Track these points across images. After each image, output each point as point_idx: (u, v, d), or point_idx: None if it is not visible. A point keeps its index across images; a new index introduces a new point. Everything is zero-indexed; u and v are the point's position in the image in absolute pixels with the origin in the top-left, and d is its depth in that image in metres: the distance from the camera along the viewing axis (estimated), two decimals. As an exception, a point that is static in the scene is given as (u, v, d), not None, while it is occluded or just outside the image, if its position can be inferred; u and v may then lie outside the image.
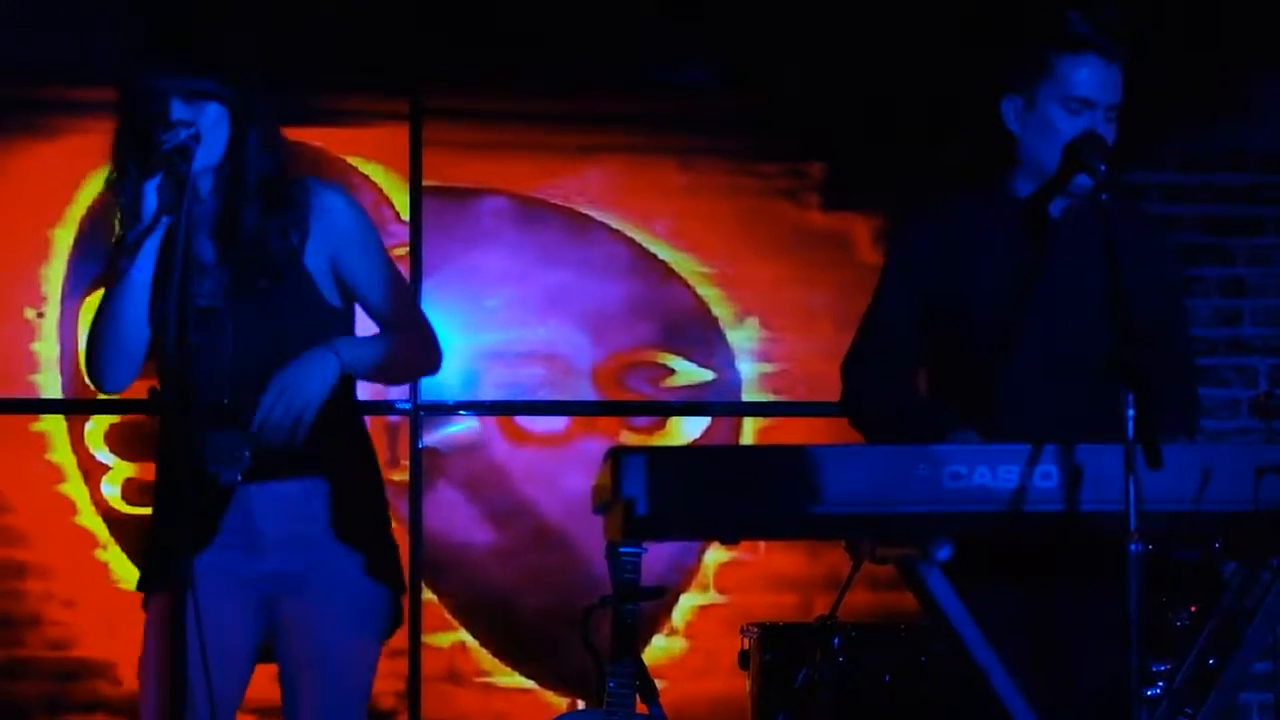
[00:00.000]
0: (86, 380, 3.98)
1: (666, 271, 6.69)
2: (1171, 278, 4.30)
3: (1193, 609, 4.73)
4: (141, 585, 3.99)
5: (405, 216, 6.50)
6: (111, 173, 3.90)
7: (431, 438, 6.52)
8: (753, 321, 6.71)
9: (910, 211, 4.34)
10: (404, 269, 6.44)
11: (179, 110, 3.80)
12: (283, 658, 3.98)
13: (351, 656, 4.00)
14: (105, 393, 3.95)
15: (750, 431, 6.73)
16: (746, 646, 5.37)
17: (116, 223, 3.90)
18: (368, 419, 6.37)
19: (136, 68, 3.86)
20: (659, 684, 5.20)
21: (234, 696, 3.95)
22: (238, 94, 3.88)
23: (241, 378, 3.84)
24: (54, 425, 6.48)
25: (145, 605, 3.99)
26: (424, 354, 4.12)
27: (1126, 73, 4.07)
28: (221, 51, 3.92)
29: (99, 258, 5.78)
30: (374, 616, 4.02)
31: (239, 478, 3.84)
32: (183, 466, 3.73)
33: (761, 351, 6.71)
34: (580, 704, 6.29)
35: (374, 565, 4.00)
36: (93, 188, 6.07)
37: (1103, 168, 3.88)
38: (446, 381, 6.53)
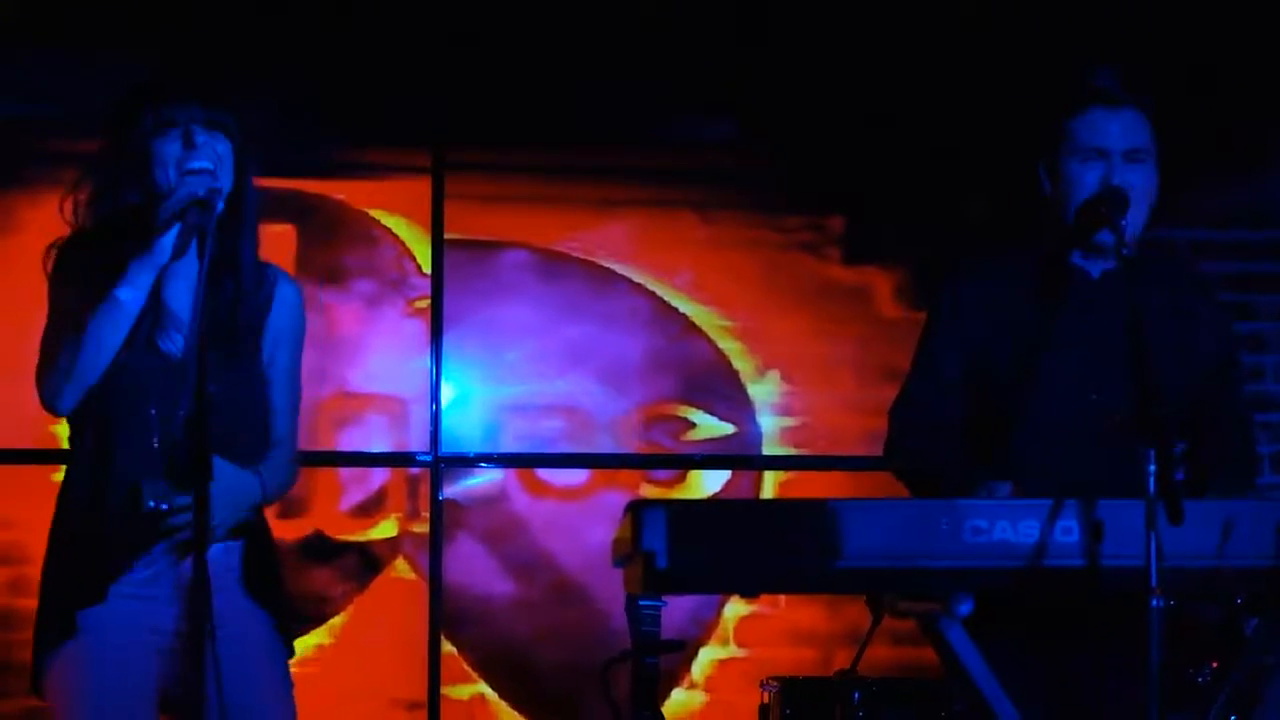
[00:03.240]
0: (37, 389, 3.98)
1: (688, 325, 6.69)
2: (1220, 339, 4.27)
3: (1214, 665, 4.71)
4: (45, 644, 3.96)
5: (427, 269, 6.51)
6: (97, 174, 3.93)
7: (452, 490, 6.52)
8: (774, 375, 6.71)
9: (962, 262, 4.34)
10: (425, 322, 6.45)
11: (201, 135, 3.84)
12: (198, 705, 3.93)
13: (281, 698, 4.03)
14: (55, 412, 3.96)
15: (771, 485, 6.72)
16: (766, 700, 5.34)
17: (72, 215, 3.95)
18: (389, 471, 6.45)
19: (154, 97, 3.89)
20: (678, 738, 5.19)
21: None
22: (245, 139, 3.92)
23: (188, 432, 3.83)
24: (75, 476, 6.48)
25: (43, 670, 3.96)
26: (292, 477, 4.17)
27: (1147, 114, 4.08)
28: (230, 94, 3.97)
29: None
30: (286, 666, 4.06)
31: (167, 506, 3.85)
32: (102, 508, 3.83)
33: (782, 405, 6.70)
34: (599, 758, 6.27)
35: (281, 624, 4.05)
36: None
37: (1123, 223, 3.88)
38: (467, 433, 6.54)
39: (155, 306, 3.90)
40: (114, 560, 3.89)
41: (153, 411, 3.87)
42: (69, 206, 3.99)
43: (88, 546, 3.91)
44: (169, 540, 3.86)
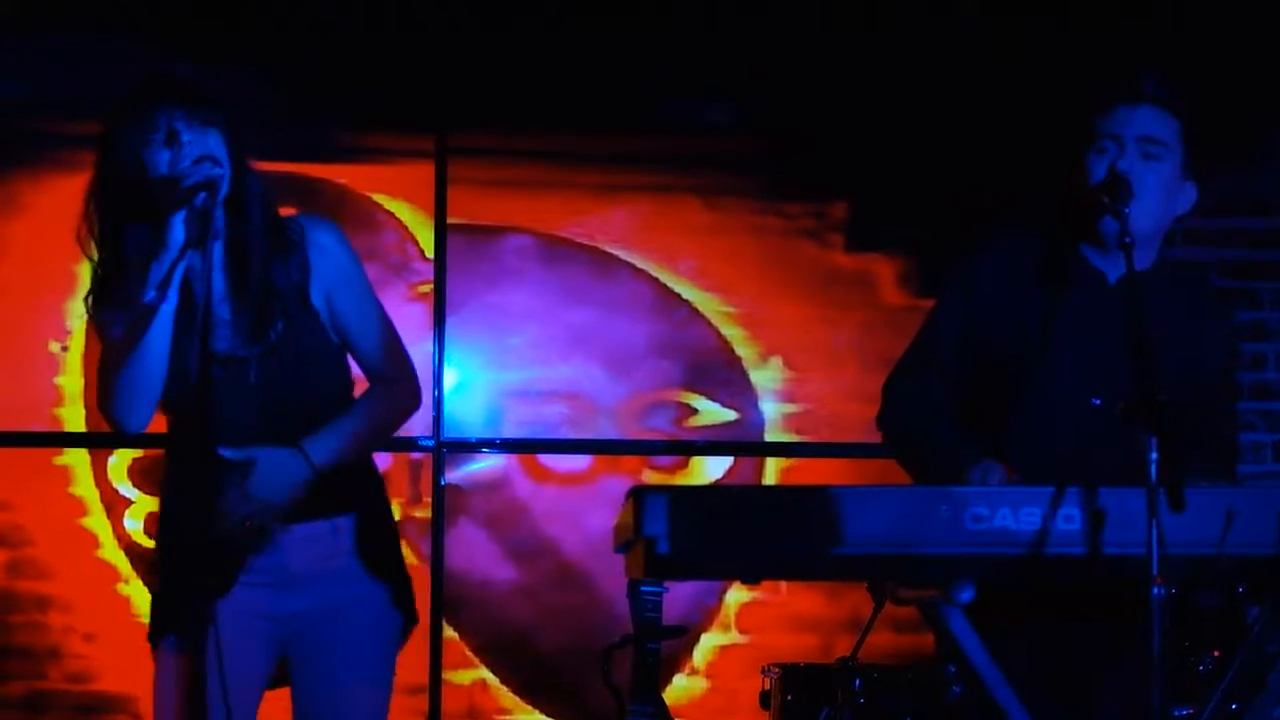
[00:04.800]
0: (104, 419, 3.97)
1: (690, 311, 6.69)
2: (1220, 350, 4.26)
3: (1215, 653, 4.71)
4: (153, 634, 3.97)
5: (430, 254, 6.51)
6: (96, 202, 3.89)
7: (454, 475, 6.52)
8: (776, 361, 6.71)
9: (980, 242, 4.34)
10: (428, 307, 6.45)
11: (187, 134, 3.80)
12: (304, 687, 4.00)
13: (375, 683, 4.04)
14: (126, 431, 3.94)
15: (773, 472, 6.73)
16: (767, 687, 5.35)
17: (92, 249, 3.90)
18: (390, 456, 6.46)
19: (133, 106, 3.86)
20: (679, 724, 5.19)
21: None
22: (234, 127, 3.88)
23: (266, 425, 3.87)
24: (77, 459, 6.49)
25: (155, 654, 3.99)
26: (409, 402, 4.16)
27: (1174, 116, 4.08)
28: (218, 87, 3.93)
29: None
30: (393, 644, 4.09)
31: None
32: (198, 511, 3.74)
33: (785, 392, 6.71)
34: (601, 743, 6.28)
35: (398, 595, 4.06)
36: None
37: (1127, 211, 3.88)
38: (469, 419, 6.54)
39: (204, 312, 3.86)
40: (223, 563, 3.89)
41: (223, 410, 3.84)
42: (85, 239, 3.93)
43: (195, 553, 3.89)
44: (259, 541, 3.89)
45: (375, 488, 4.12)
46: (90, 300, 3.93)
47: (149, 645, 3.99)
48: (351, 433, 3.99)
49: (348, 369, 4.10)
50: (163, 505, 4.05)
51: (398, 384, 4.11)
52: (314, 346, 3.98)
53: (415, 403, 4.17)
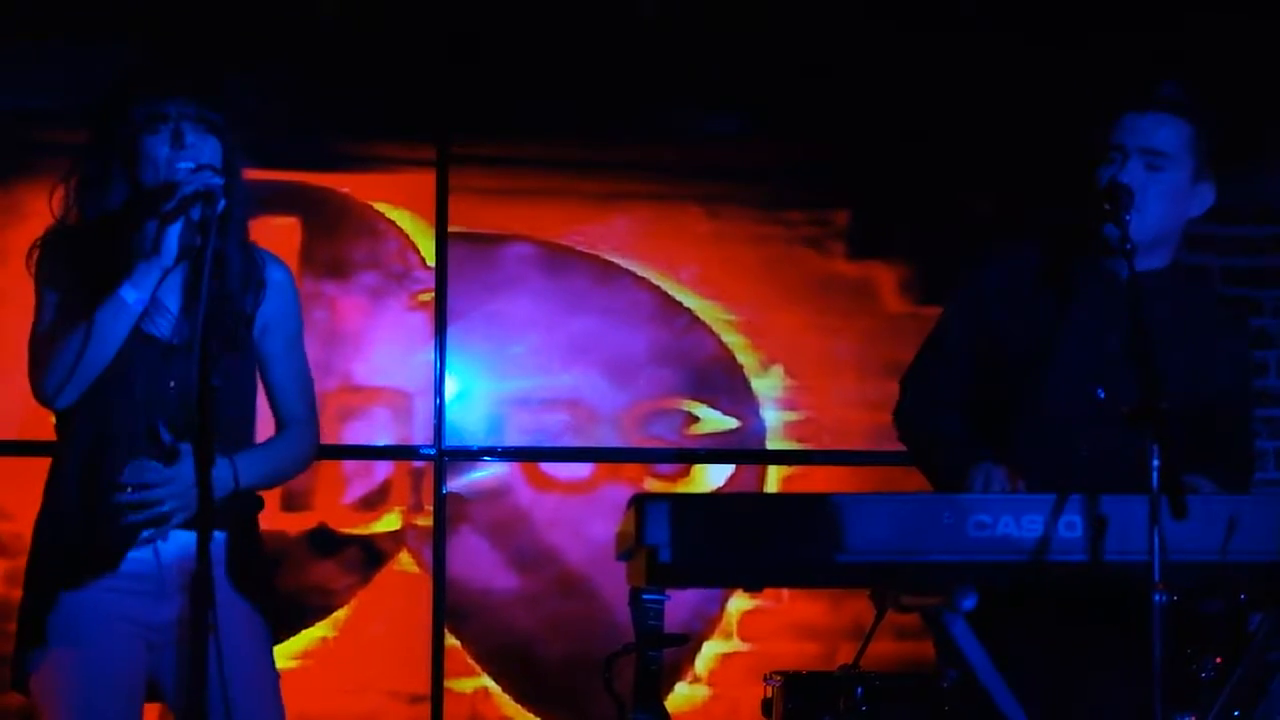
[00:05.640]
0: (35, 391, 3.95)
1: (692, 319, 6.69)
2: (1234, 359, 4.26)
3: (1218, 660, 4.71)
4: (30, 641, 3.92)
5: (431, 262, 6.50)
6: (84, 171, 3.91)
7: (456, 483, 6.52)
8: (778, 369, 6.71)
9: (988, 250, 4.35)
10: (429, 315, 6.45)
11: (191, 136, 3.81)
12: (181, 698, 3.93)
13: (265, 691, 4.02)
14: (53, 406, 3.94)
15: (774, 480, 6.72)
16: (769, 695, 5.33)
17: (62, 209, 3.93)
18: (392, 464, 6.45)
19: (145, 89, 3.87)
20: (681, 732, 5.19)
21: None
22: (232, 135, 3.89)
23: (183, 416, 3.85)
24: (79, 468, 6.48)
25: (26, 667, 3.92)
26: (310, 454, 4.19)
27: (1187, 124, 4.08)
28: (223, 86, 3.94)
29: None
30: (269, 647, 4.06)
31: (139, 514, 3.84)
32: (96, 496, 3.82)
33: (786, 399, 6.70)
34: (603, 751, 6.27)
35: (265, 610, 4.04)
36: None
37: (1127, 217, 3.88)
38: (471, 427, 6.53)
39: (200, 321, 3.87)
40: (104, 546, 3.88)
41: (139, 394, 3.86)
42: (58, 197, 3.96)
43: (78, 531, 3.89)
44: (137, 523, 3.85)
45: (251, 510, 4.11)
46: (38, 258, 3.96)
47: (23, 653, 3.93)
48: (277, 463, 4.07)
49: (255, 399, 4.12)
50: (53, 492, 4.02)
51: (309, 428, 4.16)
52: (242, 364, 4.01)
53: (313, 454, 4.20)
